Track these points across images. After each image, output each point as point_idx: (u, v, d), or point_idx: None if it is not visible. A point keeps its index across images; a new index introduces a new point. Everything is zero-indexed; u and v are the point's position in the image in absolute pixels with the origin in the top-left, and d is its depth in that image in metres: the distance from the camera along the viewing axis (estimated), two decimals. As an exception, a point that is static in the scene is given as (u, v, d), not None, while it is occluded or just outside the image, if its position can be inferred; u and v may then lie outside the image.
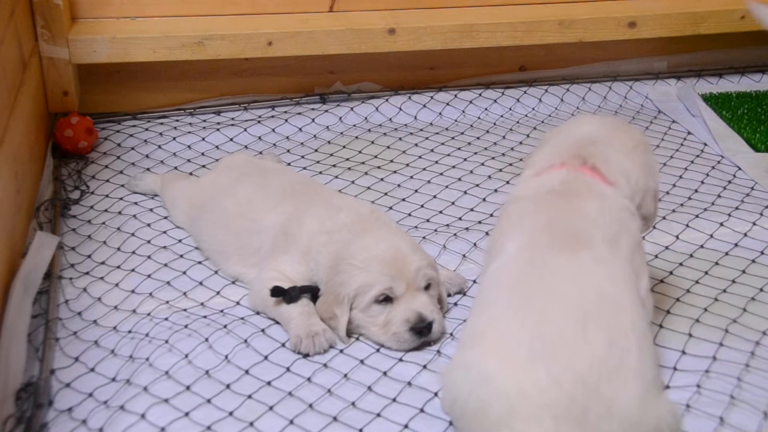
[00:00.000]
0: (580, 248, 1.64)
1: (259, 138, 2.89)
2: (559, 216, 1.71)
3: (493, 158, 2.76)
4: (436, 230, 2.37)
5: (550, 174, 1.79)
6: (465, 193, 2.57)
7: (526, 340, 1.53)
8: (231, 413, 1.75)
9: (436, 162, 2.74)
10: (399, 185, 2.62)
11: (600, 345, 1.52)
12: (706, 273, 2.19)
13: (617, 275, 1.64)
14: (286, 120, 2.96)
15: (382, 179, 2.64)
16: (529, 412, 1.49)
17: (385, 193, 2.57)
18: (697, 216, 2.43)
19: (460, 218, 2.44)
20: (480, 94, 3.13)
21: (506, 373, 1.51)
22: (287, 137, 2.90)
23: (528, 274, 1.63)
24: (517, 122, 3.02)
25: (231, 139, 2.87)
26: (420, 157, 2.78)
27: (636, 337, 1.56)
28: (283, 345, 1.95)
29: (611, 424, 1.50)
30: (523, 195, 1.81)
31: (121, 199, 2.52)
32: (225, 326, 1.98)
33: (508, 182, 2.61)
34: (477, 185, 2.61)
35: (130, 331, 1.99)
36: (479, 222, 2.41)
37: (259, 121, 2.96)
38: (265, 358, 1.91)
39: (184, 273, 2.20)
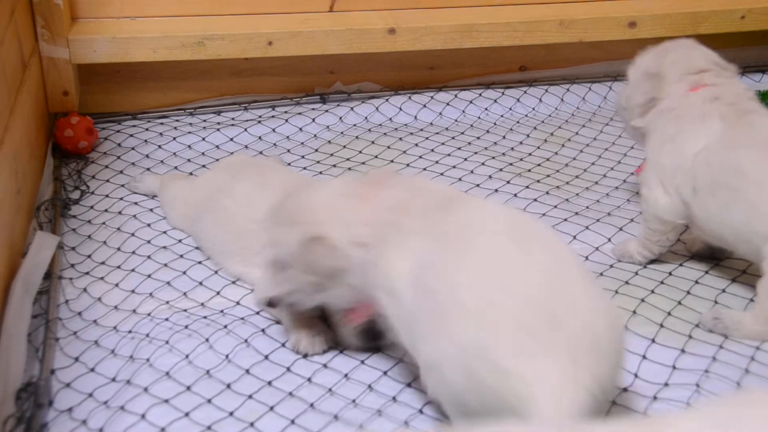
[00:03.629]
0: None
1: (260, 138, 2.89)
2: None
3: (493, 158, 2.76)
4: (436, 230, 2.37)
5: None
6: (465, 193, 2.57)
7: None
8: (231, 413, 1.76)
9: (437, 162, 2.74)
10: (399, 185, 2.61)
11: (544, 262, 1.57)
12: (707, 273, 2.19)
13: None
14: (287, 120, 2.97)
15: (382, 179, 2.64)
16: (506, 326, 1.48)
17: (385, 193, 2.56)
18: (697, 216, 2.43)
19: (460, 218, 2.44)
20: (480, 94, 3.13)
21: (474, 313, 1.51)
22: (287, 137, 2.90)
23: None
24: (518, 122, 3.02)
25: (231, 139, 2.87)
26: (420, 157, 2.78)
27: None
28: (283, 345, 1.95)
29: (576, 321, 1.49)
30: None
31: (121, 199, 2.53)
32: (225, 326, 1.98)
33: (508, 182, 2.61)
34: (477, 185, 2.61)
35: (130, 331, 1.99)
36: (479, 222, 2.41)
37: (259, 121, 2.96)
38: (266, 357, 1.91)
39: (184, 273, 2.20)
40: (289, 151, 2.81)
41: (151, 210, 2.46)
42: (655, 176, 2.14)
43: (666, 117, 2.16)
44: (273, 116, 3.00)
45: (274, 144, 2.86)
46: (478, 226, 1.65)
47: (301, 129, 2.94)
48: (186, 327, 1.99)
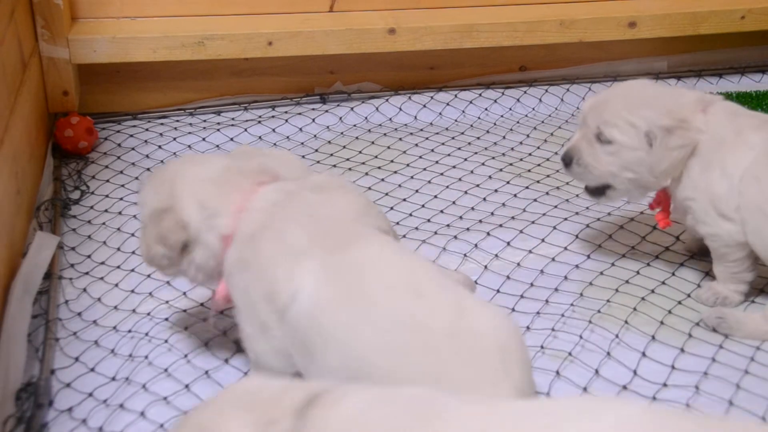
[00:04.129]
0: None
1: (260, 138, 2.89)
2: None
3: (493, 158, 2.76)
4: (436, 232, 2.37)
5: None
6: (465, 192, 2.57)
7: None
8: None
9: (437, 162, 2.74)
10: (400, 185, 2.62)
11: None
12: (708, 274, 2.19)
13: None
14: (287, 120, 2.97)
15: (382, 179, 2.64)
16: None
17: (386, 194, 2.56)
18: (697, 216, 2.42)
19: (460, 217, 2.44)
20: (480, 94, 3.13)
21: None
22: (287, 137, 2.90)
23: None
24: (517, 122, 3.02)
25: (231, 139, 2.87)
26: (420, 157, 2.78)
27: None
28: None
29: (485, 340, 1.53)
30: None
31: (121, 199, 2.53)
32: (225, 333, 1.99)
33: (508, 182, 2.61)
34: (477, 185, 2.61)
35: (129, 331, 1.99)
36: (480, 221, 2.41)
37: (259, 121, 2.96)
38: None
39: (184, 273, 2.20)
40: (289, 151, 2.81)
41: (151, 210, 2.46)
42: (711, 210, 2.00)
43: (699, 150, 2.02)
44: (273, 116, 3.00)
45: (274, 144, 2.86)
46: (374, 271, 1.62)
47: (301, 129, 2.94)
48: (185, 328, 1.99)
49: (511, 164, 2.72)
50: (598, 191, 2.12)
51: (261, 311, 1.65)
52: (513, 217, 2.43)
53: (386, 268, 1.63)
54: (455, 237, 2.34)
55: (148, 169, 2.68)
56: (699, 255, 2.25)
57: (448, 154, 2.79)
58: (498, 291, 2.13)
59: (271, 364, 1.69)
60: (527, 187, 2.59)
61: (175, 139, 2.85)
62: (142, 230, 1.84)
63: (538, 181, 2.62)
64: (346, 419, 1.14)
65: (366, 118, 3.02)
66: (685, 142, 2.00)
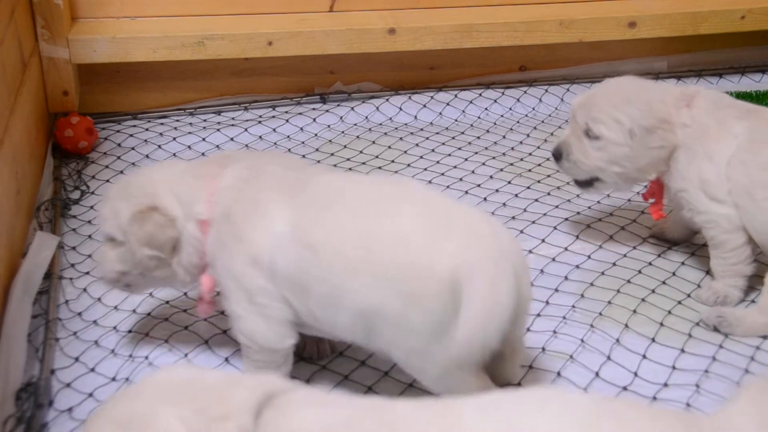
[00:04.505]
0: None
1: (260, 138, 2.89)
2: None
3: (493, 158, 2.76)
4: (436, 230, 2.37)
5: None
6: (466, 192, 2.57)
7: None
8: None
9: (438, 162, 2.74)
10: (399, 185, 2.61)
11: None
12: (708, 273, 2.19)
13: None
14: (287, 120, 2.96)
15: (382, 179, 2.64)
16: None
17: (386, 193, 2.56)
18: (697, 216, 2.42)
19: (460, 218, 2.44)
20: (480, 94, 3.13)
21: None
22: (288, 137, 2.90)
23: None
24: (518, 122, 3.02)
25: (231, 139, 2.87)
26: (421, 157, 2.78)
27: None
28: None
29: (485, 236, 1.59)
30: None
31: (121, 199, 2.52)
32: (225, 331, 1.99)
33: (509, 182, 2.61)
34: (478, 185, 2.60)
35: (130, 331, 1.99)
36: (480, 222, 2.41)
37: (259, 121, 2.96)
38: (266, 358, 1.91)
39: (185, 273, 2.20)
40: (289, 150, 2.81)
41: (151, 210, 2.46)
42: (703, 197, 2.05)
43: (685, 142, 2.07)
44: (273, 116, 3.00)
45: (275, 144, 2.86)
46: (336, 187, 1.72)
47: (301, 129, 2.94)
48: (186, 328, 1.99)
49: (511, 164, 2.72)
50: (586, 183, 2.18)
51: (248, 281, 1.69)
52: (513, 217, 2.43)
53: (347, 183, 1.74)
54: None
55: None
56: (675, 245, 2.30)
57: (449, 154, 2.79)
58: (498, 291, 2.13)
59: (266, 341, 1.71)
60: (528, 187, 2.59)
61: (175, 139, 2.85)
62: (105, 245, 1.83)
63: (538, 181, 2.62)
64: (305, 424, 1.12)
65: (366, 117, 3.01)
66: (664, 143, 2.07)
